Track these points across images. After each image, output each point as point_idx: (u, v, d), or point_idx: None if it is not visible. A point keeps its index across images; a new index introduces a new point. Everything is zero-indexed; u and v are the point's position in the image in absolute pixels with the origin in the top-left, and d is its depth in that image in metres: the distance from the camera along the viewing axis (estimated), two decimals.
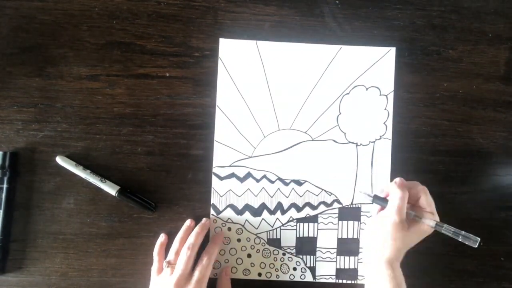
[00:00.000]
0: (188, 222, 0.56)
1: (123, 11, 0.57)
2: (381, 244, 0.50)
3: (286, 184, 0.58)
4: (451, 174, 0.58)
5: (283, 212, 0.58)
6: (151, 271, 0.54)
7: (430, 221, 0.50)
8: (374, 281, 0.51)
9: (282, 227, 0.58)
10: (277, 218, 0.58)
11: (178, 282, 0.50)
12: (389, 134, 0.58)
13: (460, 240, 0.49)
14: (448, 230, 0.50)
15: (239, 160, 0.57)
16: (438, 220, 0.51)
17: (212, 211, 0.57)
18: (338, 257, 0.58)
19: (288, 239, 0.57)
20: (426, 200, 0.51)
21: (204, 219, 0.56)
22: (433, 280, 0.58)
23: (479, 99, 0.59)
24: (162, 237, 0.56)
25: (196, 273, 0.51)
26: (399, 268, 0.50)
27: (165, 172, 0.57)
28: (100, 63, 0.57)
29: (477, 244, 0.48)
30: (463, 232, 0.49)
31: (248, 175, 0.58)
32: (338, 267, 0.58)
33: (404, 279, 0.50)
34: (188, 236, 0.54)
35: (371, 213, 0.57)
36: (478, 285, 0.58)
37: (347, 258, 0.58)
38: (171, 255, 0.53)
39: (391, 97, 0.58)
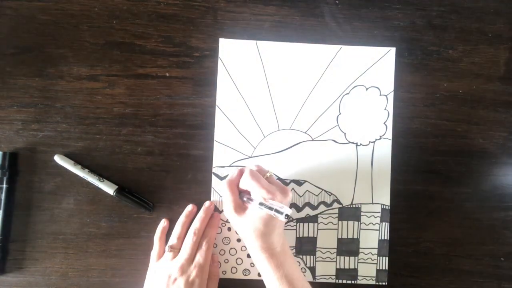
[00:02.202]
0: (189, 207, 0.56)
1: (123, 11, 0.57)
2: (241, 238, 0.51)
3: (286, 184, 0.58)
4: (451, 174, 0.58)
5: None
6: (150, 256, 0.55)
7: (253, 202, 0.48)
8: (261, 273, 0.50)
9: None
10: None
11: (182, 266, 0.50)
12: (389, 134, 0.58)
13: (273, 214, 0.46)
14: (266, 208, 0.46)
15: (239, 160, 0.57)
16: (263, 199, 0.48)
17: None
18: (338, 257, 0.58)
19: (288, 239, 0.57)
20: (244, 182, 0.50)
21: (207, 202, 0.56)
22: (433, 280, 0.58)
23: (479, 99, 0.59)
24: (163, 222, 0.56)
25: (198, 257, 0.52)
26: (279, 254, 0.48)
27: (165, 172, 0.57)
28: (100, 63, 0.57)
29: (288, 218, 0.45)
30: (274, 207, 0.46)
31: None
32: (338, 267, 0.58)
33: (292, 264, 0.49)
34: (189, 221, 0.55)
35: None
36: (478, 285, 0.58)
37: (347, 258, 0.58)
38: (173, 240, 0.53)
39: (391, 97, 0.58)
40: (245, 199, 0.50)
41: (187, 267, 0.51)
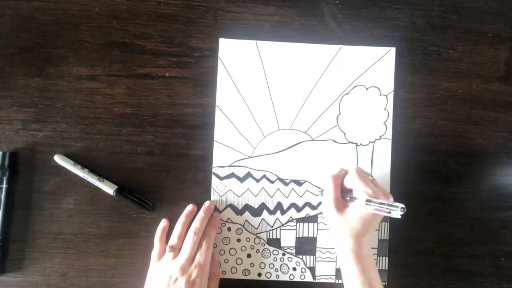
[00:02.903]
0: (189, 207, 0.56)
1: (123, 11, 0.57)
2: (333, 236, 0.50)
3: (286, 184, 0.58)
4: (451, 174, 0.58)
5: (283, 212, 0.58)
6: (151, 256, 0.55)
7: (358, 200, 0.48)
8: (344, 275, 0.50)
9: (282, 227, 0.58)
10: (277, 218, 0.58)
11: (183, 266, 0.50)
12: (389, 134, 0.58)
13: (387, 212, 0.44)
14: (375, 204, 0.45)
15: (239, 160, 0.57)
16: (371, 198, 0.47)
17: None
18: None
19: (288, 239, 0.57)
20: (350, 180, 0.50)
21: (207, 202, 0.56)
22: (433, 280, 0.58)
23: (479, 99, 0.59)
24: (163, 222, 0.56)
25: (198, 257, 0.52)
26: (365, 257, 0.48)
27: (165, 172, 0.57)
28: (100, 63, 0.57)
29: (402, 212, 0.43)
30: (386, 202, 0.44)
31: (248, 175, 0.57)
32: (338, 267, 0.58)
33: (375, 269, 0.49)
34: (190, 221, 0.55)
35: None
36: (478, 285, 0.58)
37: None
38: (173, 240, 0.54)
39: (391, 97, 0.58)
40: (348, 198, 0.50)
41: (188, 267, 0.51)
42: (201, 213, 0.55)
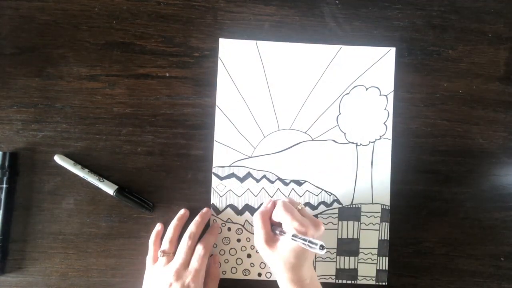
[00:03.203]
0: (182, 211, 0.56)
1: (123, 11, 0.57)
2: (271, 269, 0.50)
3: (286, 184, 0.58)
4: (451, 174, 0.58)
5: None
6: (146, 260, 0.55)
7: (286, 234, 0.48)
8: None
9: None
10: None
11: (177, 271, 0.50)
12: (389, 134, 0.58)
13: (308, 248, 0.44)
14: (299, 240, 0.45)
15: (239, 160, 0.57)
16: (296, 231, 0.47)
17: (212, 211, 0.57)
18: (338, 257, 0.58)
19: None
20: (277, 214, 0.50)
21: (205, 209, 0.56)
22: (433, 280, 0.58)
23: (479, 99, 0.59)
24: (158, 227, 0.56)
25: (194, 263, 0.51)
26: (307, 286, 0.48)
27: (165, 172, 0.57)
28: (100, 63, 0.57)
29: (322, 249, 0.43)
30: (308, 239, 0.44)
31: (248, 175, 0.57)
32: (338, 267, 0.58)
33: None
34: (181, 224, 0.55)
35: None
36: (478, 285, 0.58)
37: (347, 258, 0.58)
38: (165, 244, 0.53)
39: (391, 97, 0.58)
40: (277, 232, 0.50)
41: (182, 272, 0.50)
42: (197, 218, 0.55)
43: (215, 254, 0.57)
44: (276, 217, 0.51)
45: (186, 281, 0.50)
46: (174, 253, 0.53)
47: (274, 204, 0.52)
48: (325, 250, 0.43)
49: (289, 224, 0.48)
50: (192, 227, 0.54)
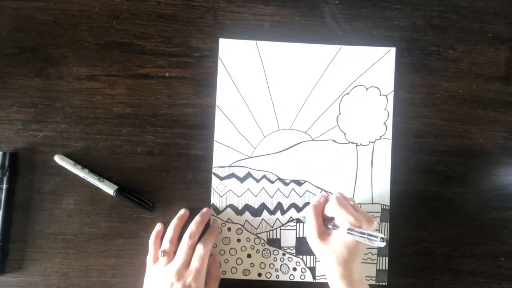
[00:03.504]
0: (182, 211, 0.56)
1: (123, 11, 0.57)
2: (322, 264, 0.50)
3: (286, 184, 0.58)
4: (451, 174, 0.58)
5: (283, 212, 0.58)
6: (146, 260, 0.55)
7: (340, 228, 0.48)
8: None
9: (282, 227, 0.58)
10: (277, 218, 0.58)
11: (178, 271, 0.50)
12: (389, 134, 0.58)
13: (367, 241, 0.45)
14: (356, 234, 0.46)
15: (239, 160, 0.57)
16: (350, 225, 0.47)
17: (212, 211, 0.57)
18: None
19: (288, 239, 0.57)
20: (330, 209, 0.51)
21: (205, 209, 0.56)
22: (433, 280, 0.58)
23: (479, 99, 0.59)
24: (158, 226, 0.56)
25: (194, 262, 0.51)
26: (356, 282, 0.48)
27: (165, 172, 0.57)
28: (100, 63, 0.57)
29: (382, 241, 0.43)
30: (366, 232, 0.45)
31: (248, 175, 0.57)
32: None
33: None
34: (182, 224, 0.55)
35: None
36: (478, 285, 0.58)
37: None
38: (165, 244, 0.53)
39: (391, 97, 0.58)
40: (330, 226, 0.50)
41: (183, 272, 0.50)
42: (197, 218, 0.55)
43: (215, 254, 0.57)
44: (329, 211, 0.51)
45: (188, 280, 0.50)
46: (175, 253, 0.53)
47: (326, 199, 0.53)
48: (385, 243, 0.43)
49: (344, 218, 0.48)
50: (192, 227, 0.54)
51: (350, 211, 0.49)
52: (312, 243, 0.51)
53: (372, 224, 0.49)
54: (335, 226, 0.49)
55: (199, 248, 0.52)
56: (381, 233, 0.58)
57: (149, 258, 0.54)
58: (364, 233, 0.45)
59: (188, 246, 0.52)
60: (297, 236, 0.58)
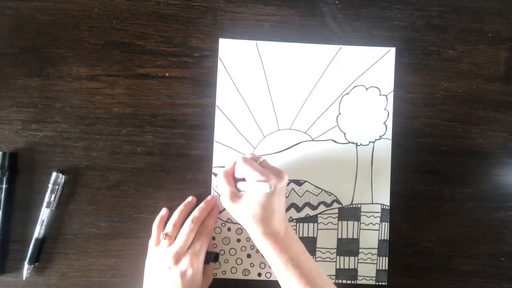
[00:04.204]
0: (189, 198, 0.56)
1: (122, 11, 0.57)
2: (244, 227, 0.51)
3: (286, 184, 0.58)
4: (451, 174, 0.58)
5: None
6: (149, 244, 0.55)
7: (240, 186, 0.50)
8: (267, 261, 0.50)
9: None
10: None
11: (177, 254, 0.50)
12: (389, 134, 0.58)
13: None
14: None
15: None
16: (257, 181, 0.47)
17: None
18: (338, 257, 0.58)
19: None
20: (238, 170, 0.50)
21: (209, 196, 0.56)
22: (433, 280, 0.58)
23: (479, 99, 0.59)
24: (163, 211, 0.56)
25: (193, 246, 0.51)
26: (281, 238, 0.48)
27: (164, 173, 0.57)
28: (99, 63, 0.57)
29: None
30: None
31: None
32: (338, 267, 0.58)
33: (297, 246, 0.49)
34: (188, 210, 0.55)
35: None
36: (478, 285, 0.58)
37: (347, 258, 0.58)
38: (169, 227, 0.54)
39: (391, 97, 0.58)
40: (238, 187, 0.50)
41: (182, 255, 0.50)
42: (202, 204, 0.55)
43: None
44: (238, 173, 0.51)
45: (185, 264, 0.50)
46: (176, 237, 0.53)
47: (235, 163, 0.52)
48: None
49: (251, 176, 0.48)
50: (195, 212, 0.54)
51: (256, 167, 0.48)
52: (227, 207, 0.51)
53: (281, 177, 0.48)
54: (242, 185, 0.50)
55: (199, 233, 0.53)
56: (381, 233, 0.58)
57: (151, 241, 0.54)
58: (251, 186, 0.47)
59: (190, 230, 0.52)
60: (297, 236, 0.57)
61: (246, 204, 0.48)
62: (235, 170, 0.51)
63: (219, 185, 0.52)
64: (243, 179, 0.51)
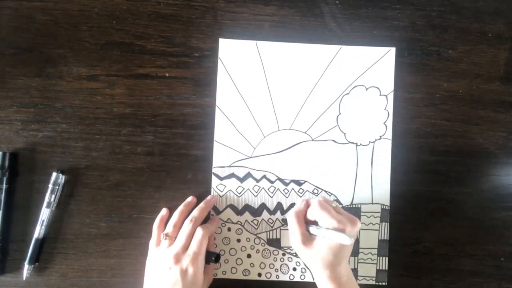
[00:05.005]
0: (189, 198, 0.56)
1: (123, 11, 0.57)
2: (310, 269, 0.51)
3: (286, 184, 0.58)
4: (451, 174, 0.58)
5: (283, 212, 0.58)
6: (149, 244, 0.55)
7: (315, 231, 0.50)
8: None
9: (282, 227, 0.58)
10: (277, 218, 0.58)
11: (177, 254, 0.50)
12: (389, 134, 0.58)
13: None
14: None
15: (239, 160, 0.57)
16: (333, 229, 0.48)
17: (212, 211, 0.57)
18: None
19: (288, 239, 0.57)
20: (313, 213, 0.51)
21: (209, 196, 0.57)
22: (433, 280, 0.58)
23: (479, 99, 0.59)
24: (163, 211, 0.56)
25: (193, 246, 0.51)
26: (345, 284, 0.49)
27: (164, 173, 0.57)
28: (99, 63, 0.57)
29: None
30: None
31: (248, 175, 0.57)
32: None
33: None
34: (188, 210, 0.55)
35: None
36: (478, 285, 0.58)
37: None
38: (169, 228, 0.54)
39: (391, 97, 0.58)
40: (312, 232, 0.50)
41: (181, 255, 0.50)
42: (201, 204, 0.55)
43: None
44: (311, 216, 0.51)
45: (185, 264, 0.50)
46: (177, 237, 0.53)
47: (308, 203, 0.52)
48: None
49: (327, 222, 0.48)
50: (195, 212, 0.54)
51: (332, 214, 0.49)
52: (297, 250, 0.51)
53: (355, 225, 0.49)
54: (317, 230, 0.49)
55: (198, 232, 0.52)
56: (381, 233, 0.58)
57: (152, 242, 0.54)
58: (329, 234, 0.47)
59: (189, 230, 0.52)
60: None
61: (318, 249, 0.49)
62: (308, 212, 0.51)
63: (289, 226, 0.52)
64: (314, 221, 0.51)
